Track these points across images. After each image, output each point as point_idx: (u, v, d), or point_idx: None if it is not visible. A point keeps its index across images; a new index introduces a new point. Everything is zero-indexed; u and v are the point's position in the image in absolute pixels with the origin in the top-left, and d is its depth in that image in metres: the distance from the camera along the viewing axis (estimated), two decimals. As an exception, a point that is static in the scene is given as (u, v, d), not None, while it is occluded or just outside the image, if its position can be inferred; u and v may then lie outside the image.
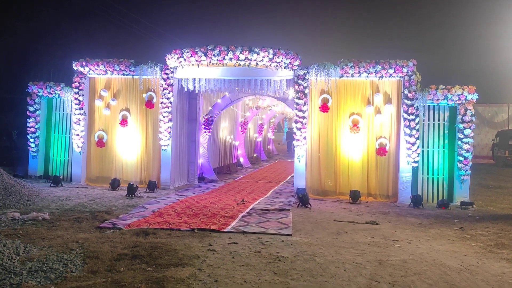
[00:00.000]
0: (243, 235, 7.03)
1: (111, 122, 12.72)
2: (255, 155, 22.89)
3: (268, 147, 27.54)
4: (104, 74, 12.55)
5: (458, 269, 5.46)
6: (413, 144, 10.70)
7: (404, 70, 10.73)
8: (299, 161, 11.50)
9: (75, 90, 12.52)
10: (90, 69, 12.43)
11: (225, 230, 7.26)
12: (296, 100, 11.40)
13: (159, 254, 5.70)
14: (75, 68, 12.51)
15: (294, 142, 11.55)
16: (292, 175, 16.89)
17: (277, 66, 11.10)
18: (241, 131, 19.46)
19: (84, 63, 12.40)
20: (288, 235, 7.07)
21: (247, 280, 4.94)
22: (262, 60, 10.88)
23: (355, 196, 10.64)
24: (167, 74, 12.06)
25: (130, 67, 12.24)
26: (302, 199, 9.78)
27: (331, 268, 5.37)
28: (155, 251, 5.80)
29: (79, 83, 12.51)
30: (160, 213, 8.54)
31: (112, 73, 12.43)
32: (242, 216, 8.41)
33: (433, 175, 10.97)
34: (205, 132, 14.56)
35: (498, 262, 5.83)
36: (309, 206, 9.73)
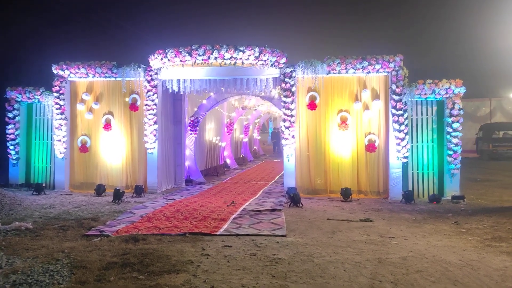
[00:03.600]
0: (236, 237, 6.81)
1: (94, 127, 12.37)
2: (241, 156, 22.69)
3: (254, 147, 27.37)
4: (85, 77, 12.19)
5: (459, 264, 5.35)
6: (402, 139, 10.64)
7: (391, 65, 10.66)
8: (288, 160, 11.34)
9: (55, 94, 12.13)
10: (70, 72, 12.06)
11: (217, 233, 7.03)
12: (284, 99, 11.24)
13: (150, 261, 5.46)
14: (55, 72, 12.11)
15: (283, 141, 11.39)
16: (280, 175, 16.83)
17: (263, 64, 10.93)
18: (227, 132, 19.23)
19: (64, 67, 12.02)
20: (282, 235, 6.89)
21: (245, 284, 4.74)
22: (248, 58, 10.69)
23: (346, 194, 10.52)
24: (150, 75, 11.78)
25: (112, 69, 11.91)
26: (294, 198, 9.61)
27: (330, 269, 5.20)
28: (147, 258, 5.55)
29: (59, 87, 12.12)
30: (148, 218, 8.27)
31: (94, 76, 12.08)
32: (234, 218, 8.20)
33: (423, 170, 10.92)
34: (191, 134, 14.31)
35: (498, 256, 5.74)
36: (300, 205, 9.56)
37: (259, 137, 28.61)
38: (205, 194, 11.55)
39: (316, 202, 10.26)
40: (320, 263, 5.40)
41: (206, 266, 5.33)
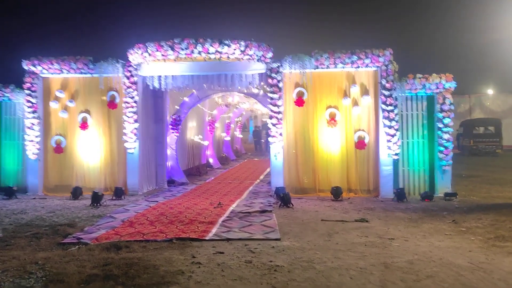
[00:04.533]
0: (227, 242, 6.33)
1: (69, 126, 11.66)
2: (223, 155, 22.17)
3: (236, 146, 26.87)
4: (59, 74, 11.47)
5: (469, 268, 5.01)
6: (393, 135, 10.34)
7: (381, 59, 10.34)
8: (276, 159, 10.90)
9: (27, 91, 11.36)
10: (43, 68, 11.32)
11: (206, 238, 6.53)
12: (270, 95, 10.80)
13: (136, 272, 4.93)
14: (26, 68, 11.34)
15: (270, 139, 10.95)
16: (265, 174, 16.41)
17: (249, 59, 10.47)
18: (209, 131, 18.69)
19: (36, 62, 11.27)
20: (276, 239, 6.44)
21: (243, 297, 4.28)
22: (234, 53, 10.20)
23: (337, 193, 10.15)
24: (130, 71, 11.16)
25: (89, 64, 11.24)
26: (284, 198, 9.18)
27: (335, 276, 4.78)
28: (132, 269, 5.01)
29: (31, 84, 11.36)
30: (131, 222, 7.70)
31: (69, 72, 11.37)
32: (223, 221, 7.70)
33: (414, 167, 10.65)
34: (172, 132, 13.74)
35: (506, 257, 5.43)
36: (291, 205, 9.14)
37: (241, 136, 28.12)
38: (189, 196, 11.01)
39: (306, 202, 9.86)
40: (322, 270, 4.97)
41: (199, 276, 4.84)
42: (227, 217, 8.10)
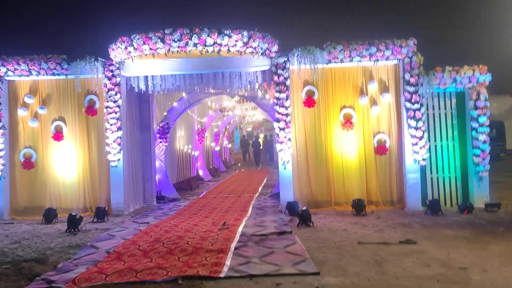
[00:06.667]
0: (251, 280, 4.77)
1: (41, 136, 9.96)
2: (212, 166, 20.54)
3: (225, 156, 25.28)
4: (28, 76, 9.78)
5: None
6: (420, 138, 8.98)
7: (404, 51, 9.00)
8: (285, 168, 9.40)
9: (-12, 97, 9.64)
10: (8, 69, 9.62)
11: (222, 276, 4.96)
12: (276, 95, 9.34)
13: None
14: (-13, 70, 9.64)
15: (277, 146, 9.45)
16: (263, 185, 14.90)
17: (252, 52, 9.00)
18: (199, 140, 17.09)
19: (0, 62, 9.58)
20: (314, 273, 4.91)
21: None
22: (235, 45, 8.71)
23: (359, 207, 8.68)
24: (112, 71, 9.55)
25: (62, 64, 9.59)
26: (303, 215, 7.66)
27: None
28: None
29: (-6, 88, 9.65)
30: (118, 254, 6.05)
31: (39, 73, 9.70)
32: (235, 248, 6.14)
33: (443, 173, 9.30)
34: (160, 142, 12.10)
35: None
36: (311, 224, 7.63)
37: (229, 145, 26.55)
38: (184, 214, 9.39)
39: (325, 218, 8.36)
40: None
41: None
42: (240, 241, 6.53)
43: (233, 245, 6.26)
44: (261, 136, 31.44)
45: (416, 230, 7.05)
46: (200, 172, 17.23)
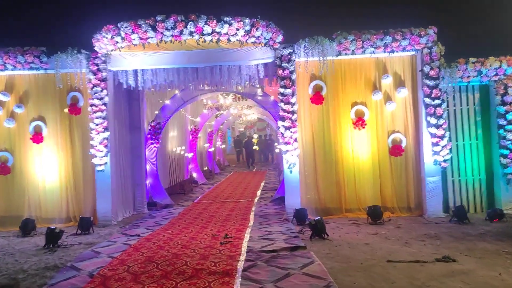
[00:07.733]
0: (268, 316, 3.83)
1: (18, 138, 8.92)
2: (206, 168, 19.54)
3: (218, 158, 24.26)
4: (2, 70, 8.76)
5: None
6: (441, 137, 8.12)
7: (422, 40, 8.14)
8: (291, 172, 8.48)
9: (-42, 94, 8.58)
10: (-20, 63, 8.58)
11: (231, 309, 4.01)
12: (281, 90, 8.41)
13: None
14: (-43, 63, 8.57)
15: (282, 147, 8.52)
16: (261, 189, 13.97)
17: (255, 42, 8.08)
18: (192, 141, 16.09)
19: (-30, 56, 8.53)
20: (346, 305, 3.99)
21: None
22: (236, 34, 7.78)
23: (375, 214, 7.80)
24: (97, 64, 8.54)
25: (41, 57, 8.57)
26: (316, 227, 6.72)
27: None
28: None
29: (-37, 84, 8.59)
30: (103, 278, 5.07)
31: (15, 67, 8.68)
32: (244, 270, 5.18)
33: (466, 176, 8.45)
34: (152, 143, 11.10)
35: None
36: (326, 236, 6.71)
37: (223, 146, 25.56)
38: (179, 224, 8.42)
39: (338, 227, 7.45)
40: None
41: None
42: (247, 260, 5.57)
43: (240, 266, 5.30)
44: (255, 136, 30.48)
45: (448, 243, 6.16)
46: (194, 175, 16.23)
